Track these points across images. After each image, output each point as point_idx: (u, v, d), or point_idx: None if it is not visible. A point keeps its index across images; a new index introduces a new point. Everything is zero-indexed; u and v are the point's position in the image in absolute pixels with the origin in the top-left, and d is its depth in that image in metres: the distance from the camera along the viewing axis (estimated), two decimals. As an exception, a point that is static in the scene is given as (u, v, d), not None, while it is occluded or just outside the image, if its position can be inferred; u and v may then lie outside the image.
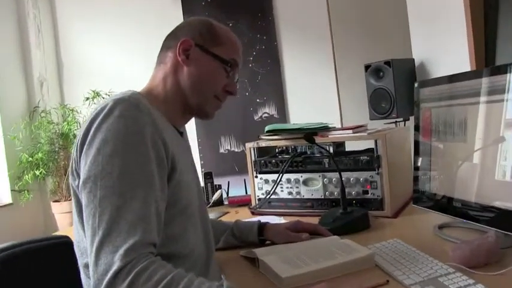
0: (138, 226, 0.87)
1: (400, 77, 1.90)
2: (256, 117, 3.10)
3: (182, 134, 1.18)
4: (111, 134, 0.91)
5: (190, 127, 3.15)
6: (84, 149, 0.93)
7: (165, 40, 1.17)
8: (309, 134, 1.61)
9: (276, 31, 2.90)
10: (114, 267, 0.82)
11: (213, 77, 1.13)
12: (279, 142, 1.79)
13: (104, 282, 0.82)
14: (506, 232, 1.08)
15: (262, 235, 1.39)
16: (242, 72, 2.96)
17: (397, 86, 1.81)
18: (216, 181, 2.23)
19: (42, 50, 3.13)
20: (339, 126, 2.66)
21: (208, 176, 2.20)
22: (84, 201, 0.91)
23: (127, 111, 0.94)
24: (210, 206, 2.11)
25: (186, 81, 1.11)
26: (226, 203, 2.14)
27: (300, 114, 2.95)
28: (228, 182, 2.24)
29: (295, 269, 1.08)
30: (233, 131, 2.97)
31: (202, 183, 2.18)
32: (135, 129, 0.93)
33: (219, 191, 2.15)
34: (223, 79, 1.14)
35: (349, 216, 1.46)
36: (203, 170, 3.12)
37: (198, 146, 3.20)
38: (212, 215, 1.94)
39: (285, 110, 3.01)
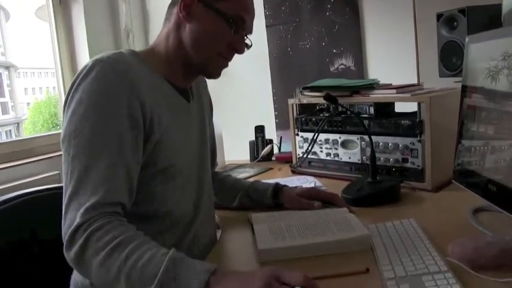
0: (101, 186, 0.88)
1: (478, 28, 1.60)
2: (332, 69, 2.91)
3: (188, 93, 1.14)
4: (85, 95, 0.92)
5: (266, 78, 3.07)
6: (65, 109, 0.95)
7: None
8: (332, 94, 1.44)
9: (356, -25, 2.63)
10: (75, 223, 0.84)
11: (215, 34, 1.05)
12: (319, 99, 1.65)
13: (67, 237, 0.85)
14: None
15: (277, 198, 1.31)
16: (319, 21, 2.78)
17: (471, 39, 1.52)
18: (284, 135, 2.15)
19: (128, 3, 3.23)
20: (416, 81, 2.39)
21: (259, 130, 2.13)
22: (62, 159, 0.93)
23: (102, 73, 0.93)
24: (258, 161, 2.07)
25: (187, 39, 1.05)
26: (274, 159, 2.07)
27: (378, 67, 2.70)
28: (280, 138, 2.15)
29: (276, 242, 0.99)
30: (308, 82, 2.83)
31: (252, 137, 2.13)
32: (107, 91, 0.93)
33: (268, 146, 2.08)
34: (226, 36, 1.06)
35: (376, 186, 1.31)
36: (277, 121, 3.07)
37: (273, 96, 3.12)
38: (254, 170, 1.90)
39: (362, 62, 2.78)
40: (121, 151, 0.91)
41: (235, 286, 0.75)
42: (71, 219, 0.85)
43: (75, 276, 1.06)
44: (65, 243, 0.85)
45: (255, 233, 1.05)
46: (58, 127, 3.06)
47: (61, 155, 0.94)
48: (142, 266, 0.78)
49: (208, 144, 1.22)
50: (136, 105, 0.94)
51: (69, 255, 0.85)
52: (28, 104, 3.39)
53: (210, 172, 1.23)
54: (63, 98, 2.72)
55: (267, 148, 2.07)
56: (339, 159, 1.60)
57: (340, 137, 1.59)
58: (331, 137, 1.61)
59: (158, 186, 1.01)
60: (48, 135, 2.74)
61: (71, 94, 0.94)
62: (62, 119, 0.98)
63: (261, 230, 1.07)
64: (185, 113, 1.11)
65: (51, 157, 2.51)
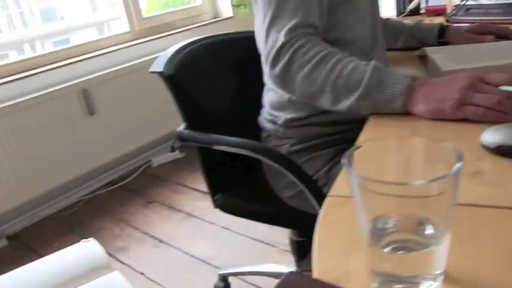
0: (299, 9, 0.96)
1: None
2: None
3: None
4: None
5: None
6: None
7: None
8: None
9: None
10: (279, 43, 0.94)
11: None
12: None
13: (271, 56, 0.96)
14: None
15: (443, 37, 1.32)
16: None
17: None
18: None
19: None
20: None
21: (406, -18, 2.05)
22: None
23: None
24: (405, 15, 2.03)
25: None
26: (422, 12, 2.01)
27: None
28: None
29: (458, 64, 1.04)
30: None
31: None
32: None
33: (416, -1, 2.02)
34: None
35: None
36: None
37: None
38: (404, 23, 1.87)
39: None
40: None
41: (439, 87, 0.81)
42: (273, 41, 0.95)
43: (271, 97, 1.19)
44: (269, 62, 0.96)
45: (435, 60, 1.10)
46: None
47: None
48: (348, 74, 0.88)
49: None
50: None
51: (274, 72, 0.96)
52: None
53: (379, 11, 1.26)
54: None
55: (415, 1, 2.01)
56: (505, 1, 1.53)
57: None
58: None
59: (341, 15, 1.07)
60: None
61: None
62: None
63: (440, 57, 1.11)
64: None
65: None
